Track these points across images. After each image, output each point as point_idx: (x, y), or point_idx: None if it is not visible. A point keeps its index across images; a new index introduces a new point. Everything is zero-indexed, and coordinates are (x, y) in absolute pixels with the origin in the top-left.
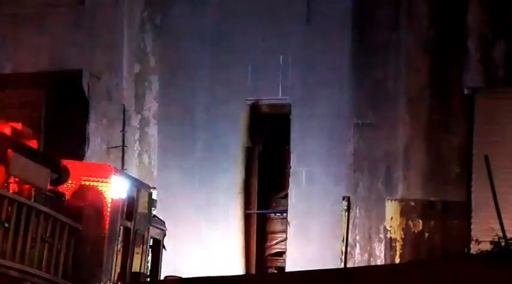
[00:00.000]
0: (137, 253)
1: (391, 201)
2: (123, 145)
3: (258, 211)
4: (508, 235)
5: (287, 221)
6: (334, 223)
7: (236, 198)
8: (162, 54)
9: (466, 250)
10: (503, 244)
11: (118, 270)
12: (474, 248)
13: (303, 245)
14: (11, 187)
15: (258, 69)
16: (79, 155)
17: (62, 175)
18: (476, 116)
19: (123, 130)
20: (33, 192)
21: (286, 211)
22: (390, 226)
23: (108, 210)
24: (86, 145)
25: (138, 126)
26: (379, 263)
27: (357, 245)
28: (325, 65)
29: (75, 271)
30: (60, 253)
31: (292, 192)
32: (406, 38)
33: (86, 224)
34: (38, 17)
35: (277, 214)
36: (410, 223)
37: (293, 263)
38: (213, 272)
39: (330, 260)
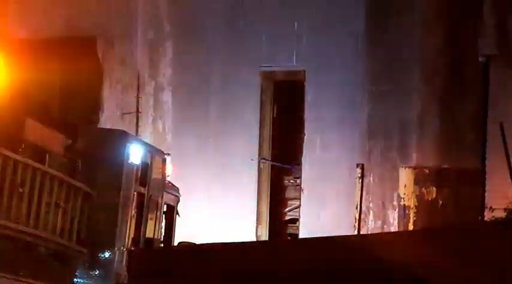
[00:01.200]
0: (151, 219)
1: (405, 168)
2: (138, 112)
3: (271, 162)
4: None
5: (301, 188)
6: (348, 190)
7: (250, 164)
8: (176, 20)
9: (479, 218)
10: None
11: (132, 236)
12: (488, 216)
13: (317, 212)
14: (25, 153)
15: (272, 36)
16: (93, 121)
17: (76, 141)
18: (491, 83)
19: (137, 97)
20: (47, 157)
21: (299, 164)
22: (404, 194)
23: (123, 176)
24: (100, 111)
25: (152, 92)
26: (392, 231)
27: (371, 212)
28: (340, 32)
29: (89, 237)
30: (74, 219)
31: (306, 158)
32: (420, 5)
33: (100, 190)
34: None
35: (291, 181)
36: (424, 190)
37: (306, 230)
38: (227, 238)
39: (343, 227)
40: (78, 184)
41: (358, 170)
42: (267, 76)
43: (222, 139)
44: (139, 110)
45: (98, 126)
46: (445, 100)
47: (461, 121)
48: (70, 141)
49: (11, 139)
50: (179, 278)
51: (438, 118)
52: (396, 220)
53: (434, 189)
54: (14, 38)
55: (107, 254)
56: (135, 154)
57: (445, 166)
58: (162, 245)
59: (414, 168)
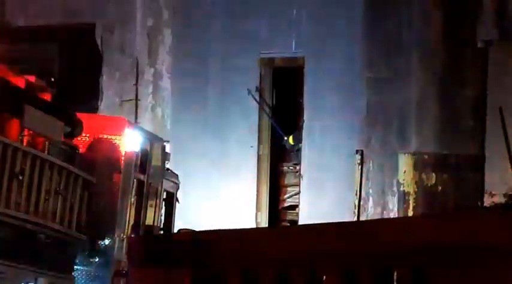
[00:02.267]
0: (150, 206)
1: (404, 154)
2: (136, 99)
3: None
4: None
5: (300, 174)
6: (347, 176)
7: (249, 151)
8: (175, 7)
9: (479, 203)
10: None
11: (131, 223)
12: (487, 201)
13: (316, 199)
14: (25, 140)
15: (272, 23)
16: (92, 108)
17: (75, 128)
18: (490, 69)
19: (136, 84)
20: (47, 144)
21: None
22: (403, 180)
23: (122, 163)
24: (99, 99)
25: (151, 79)
26: (392, 217)
27: (370, 198)
28: (339, 18)
29: (89, 224)
30: (73, 206)
31: (305, 145)
32: None
33: (100, 178)
34: None
35: (291, 168)
36: (423, 176)
37: (306, 216)
38: (226, 225)
39: (343, 214)
40: (78, 171)
41: (358, 156)
42: (266, 63)
43: (221, 126)
44: (138, 97)
45: (97, 114)
46: (444, 86)
47: (460, 107)
48: (69, 129)
49: (10, 126)
50: (179, 265)
51: (437, 104)
52: (396, 206)
53: (433, 174)
54: (13, 25)
55: (106, 242)
56: (134, 141)
57: (445, 152)
58: (161, 232)
59: (413, 154)
